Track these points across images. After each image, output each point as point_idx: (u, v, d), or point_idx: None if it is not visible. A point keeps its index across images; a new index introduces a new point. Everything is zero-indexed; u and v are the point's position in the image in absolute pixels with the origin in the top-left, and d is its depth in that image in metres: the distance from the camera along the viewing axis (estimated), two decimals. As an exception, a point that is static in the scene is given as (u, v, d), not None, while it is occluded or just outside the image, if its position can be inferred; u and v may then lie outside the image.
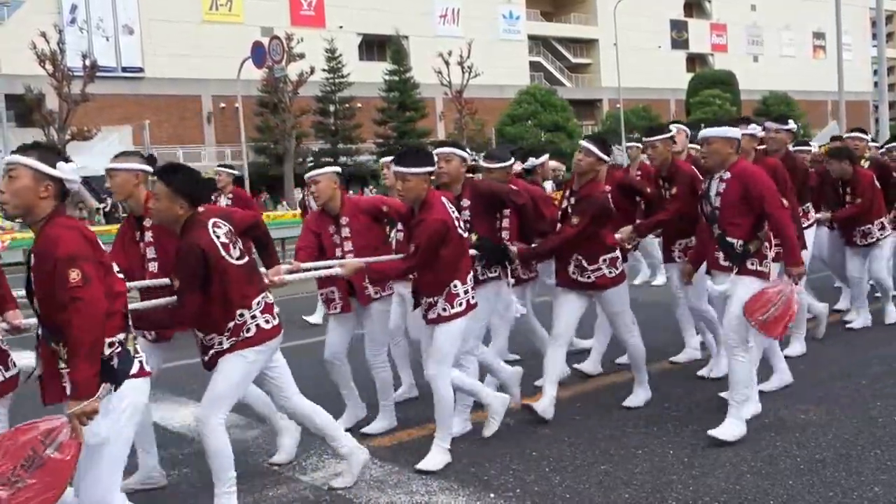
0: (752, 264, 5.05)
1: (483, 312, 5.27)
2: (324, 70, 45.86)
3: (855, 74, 65.52)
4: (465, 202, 5.40)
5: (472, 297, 4.95)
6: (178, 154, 47.09)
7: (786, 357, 6.81)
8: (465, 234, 5.04)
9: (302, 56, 38.41)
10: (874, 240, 7.81)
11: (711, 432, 4.92)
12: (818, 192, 7.89)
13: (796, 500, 4.09)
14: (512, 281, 5.90)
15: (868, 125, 59.26)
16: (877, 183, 7.77)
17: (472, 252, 5.14)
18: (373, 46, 56.43)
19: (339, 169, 5.57)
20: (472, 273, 5.04)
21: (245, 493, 4.58)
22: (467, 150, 5.72)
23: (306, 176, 5.49)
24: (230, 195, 8.96)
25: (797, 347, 7.01)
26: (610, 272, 5.48)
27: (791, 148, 7.69)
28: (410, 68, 49.47)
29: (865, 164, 8.12)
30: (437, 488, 4.50)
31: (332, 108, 47.57)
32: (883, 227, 7.84)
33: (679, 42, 71.12)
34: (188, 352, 4.61)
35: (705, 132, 5.16)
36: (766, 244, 5.11)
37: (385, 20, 53.24)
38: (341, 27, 52.44)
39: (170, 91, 47.94)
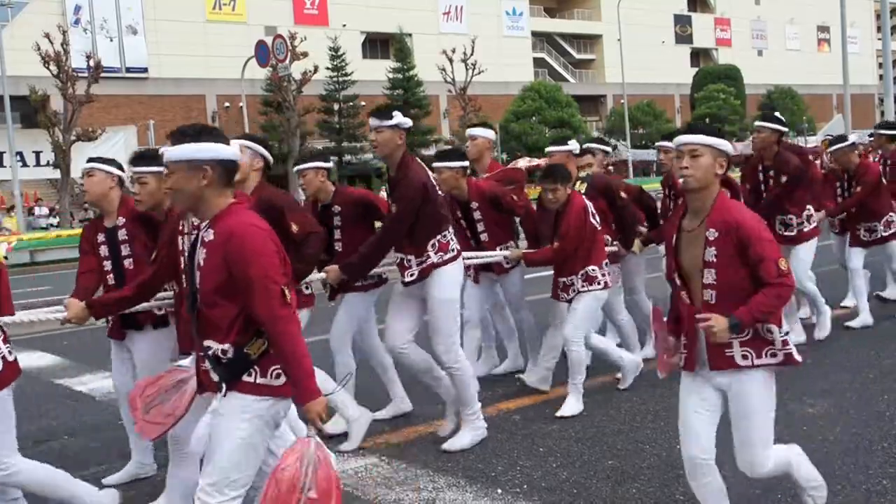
0: (251, 374, 3.10)
1: None
2: (328, 68, 45.89)
3: (860, 68, 65.42)
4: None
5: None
6: (182, 154, 47.09)
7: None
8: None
9: (305, 55, 38.43)
10: (601, 286, 5.79)
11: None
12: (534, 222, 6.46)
13: (804, 493, 4.07)
14: None
15: (873, 119, 59.08)
16: (592, 218, 5.72)
17: None
18: (376, 44, 56.44)
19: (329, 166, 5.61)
20: None
21: (252, 490, 4.58)
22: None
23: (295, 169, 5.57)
24: None
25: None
26: None
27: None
28: (414, 66, 49.50)
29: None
30: (444, 485, 4.50)
31: (336, 106, 47.64)
32: (586, 280, 5.73)
33: (683, 37, 70.98)
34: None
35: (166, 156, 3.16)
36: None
37: (388, 18, 53.24)
38: (345, 25, 52.45)
39: (174, 91, 48.04)
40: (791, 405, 5.48)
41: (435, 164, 5.81)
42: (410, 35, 53.98)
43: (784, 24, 75.06)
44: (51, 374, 8.09)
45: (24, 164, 31.40)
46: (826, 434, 4.90)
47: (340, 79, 47.22)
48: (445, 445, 5.03)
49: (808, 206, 6.91)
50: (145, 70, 48.09)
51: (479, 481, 4.51)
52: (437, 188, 5.10)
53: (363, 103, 47.99)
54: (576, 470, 4.57)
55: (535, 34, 64.15)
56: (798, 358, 3.37)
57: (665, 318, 3.61)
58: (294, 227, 4.70)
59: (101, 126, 35.13)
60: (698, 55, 72.04)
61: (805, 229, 6.87)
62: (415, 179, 4.83)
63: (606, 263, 5.87)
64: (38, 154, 32.32)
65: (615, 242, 6.47)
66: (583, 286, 5.74)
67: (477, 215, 6.06)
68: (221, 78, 46.98)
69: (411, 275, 4.98)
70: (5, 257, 10.47)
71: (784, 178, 6.65)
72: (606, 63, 65.70)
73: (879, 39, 51.89)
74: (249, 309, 3.04)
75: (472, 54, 46.01)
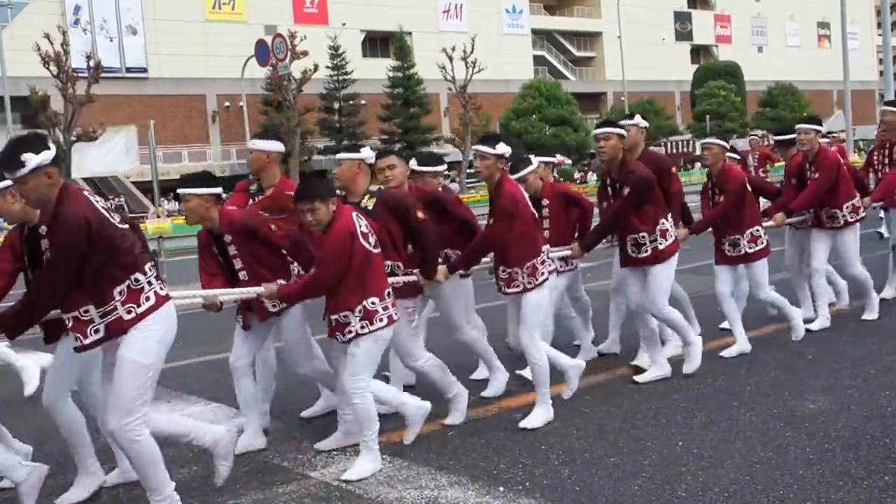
0: None
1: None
2: (328, 67, 45.93)
3: (860, 64, 65.45)
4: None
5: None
6: (183, 154, 47.14)
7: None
8: None
9: (305, 54, 38.47)
10: (383, 323, 4.75)
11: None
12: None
13: (806, 490, 4.07)
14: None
15: (874, 115, 59.03)
16: (363, 240, 4.66)
17: None
18: (376, 43, 56.49)
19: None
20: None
21: (254, 489, 4.60)
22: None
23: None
24: None
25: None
26: None
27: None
28: (414, 64, 49.58)
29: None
30: (446, 483, 4.50)
31: (336, 105, 47.70)
32: (365, 318, 4.67)
33: (683, 34, 71.01)
34: (192, 351, 4.64)
35: None
36: None
37: (388, 16, 53.29)
38: (344, 24, 52.49)
39: (174, 91, 48.11)
40: (792, 402, 5.48)
41: (179, 190, 5.01)
42: (410, 33, 54.03)
43: (784, 20, 75.09)
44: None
45: (25, 165, 31.40)
46: (828, 430, 4.89)
47: (340, 78, 47.29)
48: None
49: (663, 221, 5.97)
50: (145, 70, 48.14)
51: (481, 479, 4.51)
52: (111, 221, 3.89)
53: (364, 102, 48.10)
54: (577, 467, 4.57)
55: (534, 32, 64.18)
56: None
57: None
58: None
59: (101, 126, 35.19)
60: (698, 52, 72.07)
61: (661, 247, 5.96)
62: (70, 217, 3.72)
63: (389, 294, 4.78)
64: (38, 154, 32.33)
65: (414, 271, 5.32)
66: (361, 326, 4.65)
67: (232, 250, 5.03)
68: (221, 77, 47.06)
69: (95, 331, 3.92)
70: None
71: (626, 191, 5.82)
72: (606, 60, 65.75)
73: (880, 35, 51.85)
74: None
75: (472, 52, 46.03)
